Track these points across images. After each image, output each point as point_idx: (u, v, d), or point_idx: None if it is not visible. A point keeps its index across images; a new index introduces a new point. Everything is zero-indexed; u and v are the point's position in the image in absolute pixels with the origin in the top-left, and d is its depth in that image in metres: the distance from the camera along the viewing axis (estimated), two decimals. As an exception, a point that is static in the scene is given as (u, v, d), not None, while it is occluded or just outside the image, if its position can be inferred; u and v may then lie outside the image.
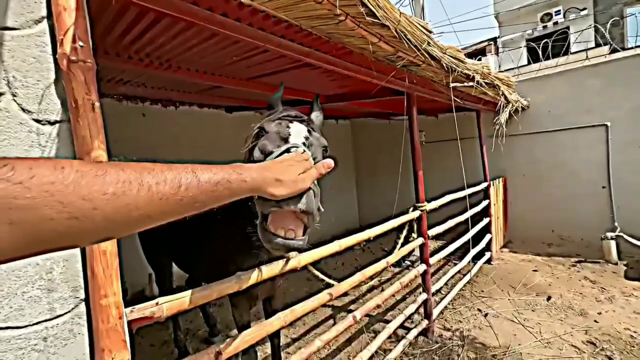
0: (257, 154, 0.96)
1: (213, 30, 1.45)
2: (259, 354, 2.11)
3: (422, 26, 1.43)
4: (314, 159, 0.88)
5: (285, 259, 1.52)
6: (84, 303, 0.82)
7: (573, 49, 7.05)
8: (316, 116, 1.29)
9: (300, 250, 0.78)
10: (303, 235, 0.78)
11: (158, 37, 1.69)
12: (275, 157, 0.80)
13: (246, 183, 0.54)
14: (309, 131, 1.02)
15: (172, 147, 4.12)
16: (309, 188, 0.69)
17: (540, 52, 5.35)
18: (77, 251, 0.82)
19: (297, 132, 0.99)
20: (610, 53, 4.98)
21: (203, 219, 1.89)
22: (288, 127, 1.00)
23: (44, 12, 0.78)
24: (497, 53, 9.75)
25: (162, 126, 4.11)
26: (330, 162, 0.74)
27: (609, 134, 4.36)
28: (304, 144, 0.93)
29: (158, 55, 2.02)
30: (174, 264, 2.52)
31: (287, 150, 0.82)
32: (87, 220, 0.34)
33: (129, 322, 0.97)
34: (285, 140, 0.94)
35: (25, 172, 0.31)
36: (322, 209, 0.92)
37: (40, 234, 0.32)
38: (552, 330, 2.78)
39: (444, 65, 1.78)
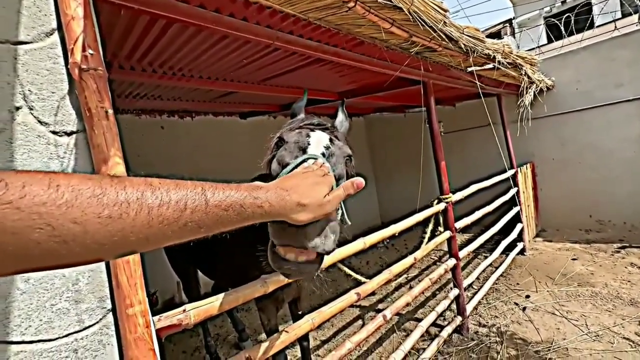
0: (274, 166, 0.90)
1: (222, 33, 1.44)
2: (288, 357, 2.08)
3: (436, 5, 1.35)
4: (334, 169, 0.82)
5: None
6: (111, 313, 0.81)
7: (598, 21, 6.62)
8: (341, 123, 1.21)
9: (316, 273, 0.70)
10: (317, 257, 0.69)
11: (169, 45, 1.71)
12: (290, 170, 0.74)
13: (262, 209, 0.49)
14: (330, 140, 0.95)
15: (191, 156, 4.20)
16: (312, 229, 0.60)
17: (562, 28, 5.04)
18: (102, 261, 0.81)
19: (317, 141, 0.92)
20: (641, 21, 4.62)
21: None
22: (308, 136, 0.94)
23: (54, 24, 0.79)
24: (513, 34, 9.33)
25: (180, 137, 4.21)
26: (360, 181, 0.65)
27: (647, 107, 4.03)
28: (323, 154, 0.86)
29: (171, 65, 2.05)
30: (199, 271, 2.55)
31: (304, 161, 0.76)
32: (76, 244, 0.31)
33: (158, 331, 0.96)
34: (304, 150, 0.88)
35: (16, 191, 0.28)
36: (349, 222, 0.85)
37: (24, 257, 0.29)
38: (599, 323, 2.58)
39: (462, 46, 1.68)
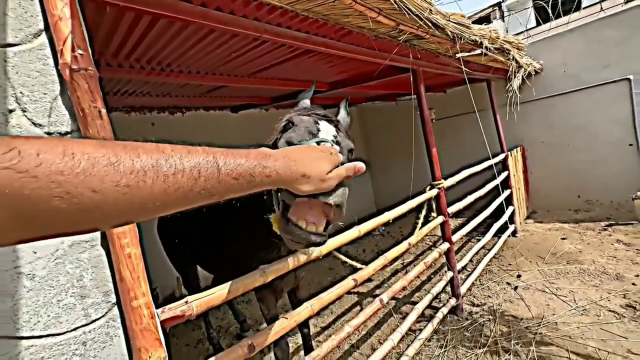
0: (281, 145, 0.92)
1: (210, 27, 1.43)
2: (290, 345, 2.14)
3: (422, -7, 1.37)
4: None
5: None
6: (116, 306, 0.84)
7: (585, 3, 6.65)
8: (343, 119, 1.25)
9: (320, 245, 0.74)
10: (324, 231, 0.74)
11: (156, 41, 1.69)
12: None
13: (270, 178, 0.51)
14: (336, 131, 0.99)
15: (183, 152, 4.17)
16: (336, 187, 0.65)
17: (550, 11, 5.06)
18: (104, 257, 0.84)
19: (326, 130, 0.95)
20: (627, 2, 4.66)
21: (222, 219, 1.92)
22: (317, 123, 0.97)
23: (41, 25, 0.79)
24: (502, 18, 9.32)
25: (171, 133, 4.18)
26: (362, 165, 0.69)
27: (633, 87, 4.11)
28: (332, 141, 0.90)
29: (159, 61, 2.03)
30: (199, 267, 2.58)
31: (317, 145, 0.79)
32: (97, 212, 0.32)
33: (162, 322, 1.00)
34: (314, 135, 0.91)
35: (32, 159, 0.28)
36: (342, 224, 0.89)
37: (47, 224, 0.30)
38: (587, 297, 2.69)
39: (449, 33, 1.70)
